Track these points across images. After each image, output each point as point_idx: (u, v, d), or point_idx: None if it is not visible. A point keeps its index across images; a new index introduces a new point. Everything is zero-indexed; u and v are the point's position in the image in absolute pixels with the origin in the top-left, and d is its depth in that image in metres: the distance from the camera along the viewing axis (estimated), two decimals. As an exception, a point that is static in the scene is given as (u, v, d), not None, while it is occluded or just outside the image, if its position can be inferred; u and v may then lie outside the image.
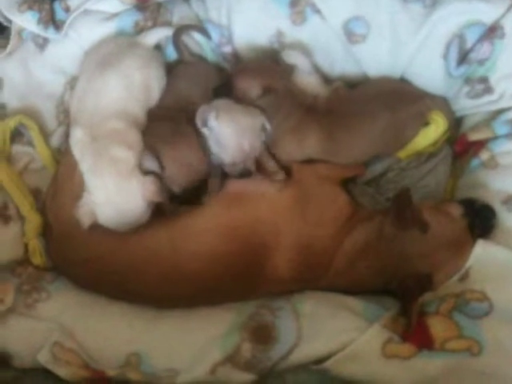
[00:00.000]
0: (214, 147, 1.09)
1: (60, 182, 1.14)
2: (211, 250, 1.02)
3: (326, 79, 1.22)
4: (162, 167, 1.07)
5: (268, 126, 1.09)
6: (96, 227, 1.04)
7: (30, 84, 1.23)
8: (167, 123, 1.12)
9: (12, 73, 1.24)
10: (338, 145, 1.12)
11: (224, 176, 1.11)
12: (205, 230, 1.04)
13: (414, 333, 0.92)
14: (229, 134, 1.06)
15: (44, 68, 1.24)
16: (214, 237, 1.03)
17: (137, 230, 1.05)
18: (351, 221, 1.06)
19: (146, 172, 1.06)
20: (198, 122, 1.09)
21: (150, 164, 1.07)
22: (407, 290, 0.99)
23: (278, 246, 1.03)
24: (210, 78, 1.20)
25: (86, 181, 1.05)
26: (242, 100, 1.12)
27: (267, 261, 1.02)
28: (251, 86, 1.13)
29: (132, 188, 1.04)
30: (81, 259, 1.07)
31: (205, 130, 1.09)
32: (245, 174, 1.08)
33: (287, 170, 1.12)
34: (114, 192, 1.03)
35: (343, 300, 1.03)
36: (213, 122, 1.07)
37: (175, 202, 1.11)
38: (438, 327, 0.93)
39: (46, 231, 1.14)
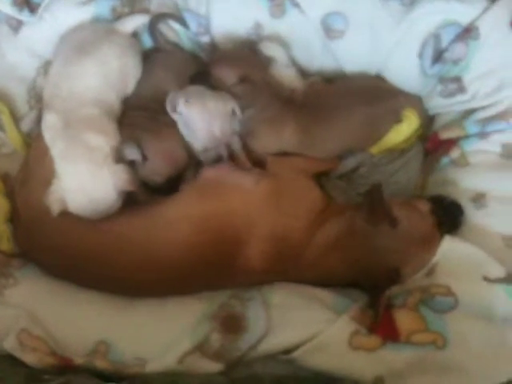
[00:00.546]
0: (185, 133, 1.09)
1: (30, 168, 1.12)
2: (183, 239, 1.02)
3: (304, 73, 1.23)
4: (143, 157, 1.06)
5: (238, 111, 1.09)
6: (66, 214, 1.03)
7: (2, 66, 1.21)
8: (145, 113, 1.11)
9: (-18, 54, 1.21)
10: (314, 138, 1.13)
11: (200, 165, 1.11)
12: (177, 219, 1.03)
13: (380, 325, 0.94)
14: (198, 118, 1.07)
15: (17, 51, 1.21)
16: (187, 226, 1.03)
17: (109, 217, 1.04)
18: (324, 214, 1.07)
19: (124, 161, 1.06)
20: (168, 107, 1.08)
21: (131, 153, 1.06)
22: (375, 283, 1.01)
23: (251, 237, 1.03)
24: (187, 66, 1.19)
25: (57, 167, 1.04)
26: (217, 87, 1.13)
27: (240, 252, 1.02)
28: (228, 75, 1.13)
29: (104, 176, 1.03)
30: (50, 246, 1.06)
31: (175, 116, 1.08)
32: (217, 160, 1.09)
33: (262, 162, 1.12)
34: (85, 179, 1.02)
35: (313, 292, 1.04)
36: (182, 107, 1.07)
37: (150, 191, 1.10)
38: (404, 320, 0.94)
39: (14, 217, 1.13)
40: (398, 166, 1.19)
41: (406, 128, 1.16)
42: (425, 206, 1.04)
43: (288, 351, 0.94)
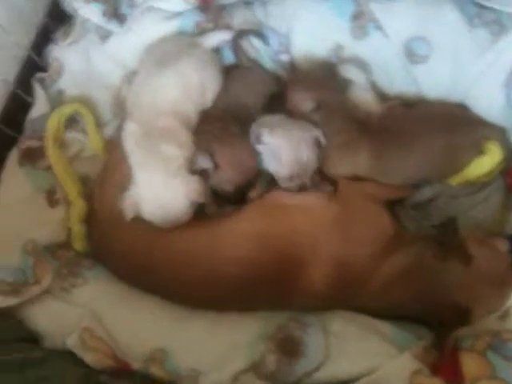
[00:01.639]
0: (269, 162, 1.10)
1: (109, 172, 1.16)
2: (247, 256, 1.01)
3: (383, 97, 1.20)
4: (215, 166, 1.08)
5: (323, 140, 1.09)
6: (138, 220, 1.06)
7: (90, 73, 1.26)
8: (219, 123, 1.12)
9: (73, 61, 1.27)
10: (389, 164, 1.10)
11: (271, 183, 1.11)
12: (242, 236, 1.03)
13: (444, 367, 0.90)
14: (285, 147, 1.07)
15: (104, 59, 1.26)
16: (251, 243, 1.02)
17: (177, 228, 1.06)
18: (393, 243, 1.03)
19: (198, 170, 1.08)
20: (252, 138, 1.10)
21: (204, 162, 1.08)
22: (443, 322, 0.97)
23: (315, 259, 1.01)
24: (265, 84, 1.20)
25: (134, 174, 1.07)
26: (293, 112, 1.12)
27: (302, 273, 1.01)
28: (304, 99, 1.12)
29: (177, 186, 1.05)
30: (120, 249, 1.09)
31: (259, 147, 1.09)
32: (302, 189, 1.08)
33: (334, 185, 1.11)
34: (159, 188, 1.04)
35: (373, 323, 1.01)
36: (267, 137, 1.08)
37: (221, 202, 1.12)
38: (470, 364, 0.89)
39: (89, 218, 1.17)
40: (477, 201, 1.13)
41: (488, 161, 1.11)
42: (503, 246, 0.99)
43: (344, 382, 0.91)
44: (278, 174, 1.09)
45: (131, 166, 1.08)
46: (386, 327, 0.99)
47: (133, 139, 1.10)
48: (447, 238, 0.98)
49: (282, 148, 1.07)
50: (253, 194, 1.09)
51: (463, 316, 0.96)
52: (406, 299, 1.00)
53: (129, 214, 1.04)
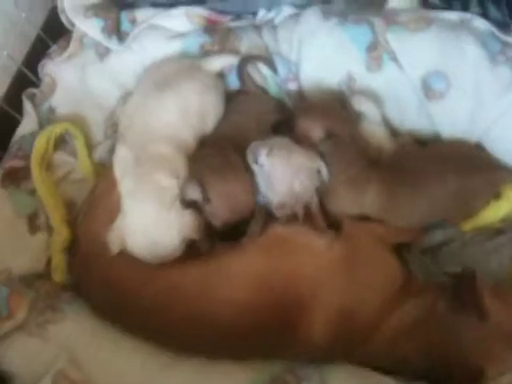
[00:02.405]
0: (262, 185, 1.02)
1: (96, 198, 1.08)
2: (242, 298, 0.93)
3: (394, 132, 1.13)
4: (206, 198, 0.99)
5: (325, 172, 1.01)
6: (124, 253, 0.98)
7: (84, 91, 1.20)
8: (215, 152, 1.05)
9: (67, 77, 1.21)
10: (399, 204, 1.03)
11: (268, 218, 1.03)
12: (237, 275, 0.95)
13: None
14: (280, 172, 0.99)
15: (101, 77, 1.20)
16: (247, 284, 0.94)
17: (166, 264, 0.97)
18: (402, 292, 0.96)
19: (186, 201, 1.00)
20: (249, 157, 1.02)
21: (194, 193, 1.00)
22: (453, 381, 0.88)
23: (317, 305, 0.93)
24: (271, 112, 1.13)
25: (123, 203, 0.99)
26: (301, 141, 1.04)
27: (302, 320, 0.92)
28: (314, 127, 1.05)
29: (170, 220, 0.97)
30: (102, 283, 1.00)
31: (255, 167, 1.02)
32: (292, 218, 1.00)
33: (338, 224, 1.02)
34: (150, 221, 0.96)
35: (377, 379, 0.92)
36: (264, 158, 1.00)
37: (211, 238, 1.03)
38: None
39: (72, 248, 1.08)
40: (492, 248, 1.05)
41: (504, 206, 1.04)
42: (522, 302, 0.91)
43: None
44: (269, 199, 1.01)
45: (121, 194, 1.00)
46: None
47: (123, 165, 1.02)
48: (463, 290, 0.89)
49: (276, 173, 0.99)
50: (251, 231, 1.00)
51: (475, 376, 0.88)
52: (413, 354, 0.92)
53: (114, 246, 0.96)
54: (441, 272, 1.07)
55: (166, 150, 1.02)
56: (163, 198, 0.96)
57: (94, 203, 1.07)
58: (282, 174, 0.99)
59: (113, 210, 1.00)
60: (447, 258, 1.08)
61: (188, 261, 0.98)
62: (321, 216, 1.03)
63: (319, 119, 1.05)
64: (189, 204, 1.00)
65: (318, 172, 1.01)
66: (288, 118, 1.10)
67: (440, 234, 1.09)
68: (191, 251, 1.00)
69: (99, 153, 1.16)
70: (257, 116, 1.11)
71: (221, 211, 1.00)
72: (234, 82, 1.17)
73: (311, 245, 0.98)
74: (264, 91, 1.17)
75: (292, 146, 1.02)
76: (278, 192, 1.00)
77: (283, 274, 0.95)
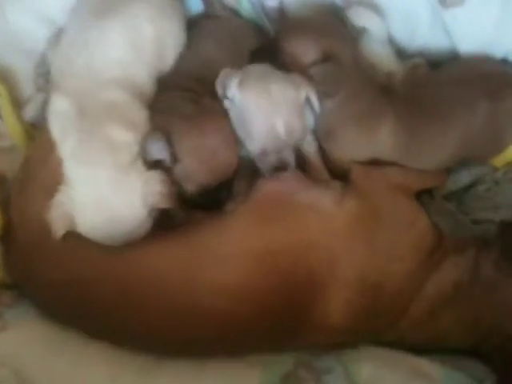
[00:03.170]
0: (237, 127, 0.80)
1: (31, 170, 0.84)
2: (238, 283, 0.74)
3: (401, 54, 0.92)
4: (174, 157, 0.77)
5: (315, 101, 0.79)
6: (75, 237, 0.76)
7: (4, 35, 0.94)
8: (185, 95, 0.82)
9: (-20, 19, 0.95)
10: (421, 142, 0.83)
11: (255, 175, 0.82)
12: (229, 255, 0.75)
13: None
14: (255, 108, 0.78)
15: (24, 15, 0.94)
16: (243, 264, 0.74)
17: (132, 245, 0.76)
18: (435, 251, 0.77)
19: (150, 163, 0.78)
20: (218, 88, 0.80)
21: (158, 151, 0.77)
22: (507, 357, 0.73)
23: (333, 281, 0.74)
24: (246, 38, 0.91)
25: (67, 170, 0.77)
26: (289, 69, 0.82)
27: (315, 301, 0.74)
28: (305, 50, 0.83)
29: (130, 185, 0.75)
30: (52, 279, 0.79)
31: (225, 102, 0.80)
32: (279, 169, 0.79)
33: (345, 173, 0.82)
34: (104, 189, 0.75)
35: (416, 364, 0.76)
36: (235, 90, 0.78)
37: (187, 207, 0.82)
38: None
39: (7, 235, 0.84)
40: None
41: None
42: None
43: None
44: (247, 145, 0.80)
45: (62, 158, 0.77)
46: (432, 368, 0.75)
47: (63, 121, 0.79)
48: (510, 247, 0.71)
49: (251, 109, 0.78)
50: (235, 195, 0.80)
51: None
52: (455, 327, 0.76)
53: (58, 228, 0.74)
54: (469, 220, 0.88)
55: (117, 95, 0.80)
56: (119, 156, 0.75)
57: (28, 176, 0.84)
58: (257, 109, 0.77)
59: (52, 182, 0.78)
60: (476, 203, 0.90)
61: (160, 239, 0.76)
62: (321, 164, 0.83)
63: (312, 38, 0.83)
64: (153, 165, 0.77)
65: (307, 102, 0.79)
66: (269, 44, 0.89)
67: (466, 175, 0.91)
68: (163, 227, 0.78)
69: (30, 111, 0.94)
70: (228, 44, 0.89)
71: (195, 171, 0.78)
72: (195, 5, 0.96)
73: (314, 203, 0.78)
74: (235, 13, 0.95)
75: (272, 72, 0.80)
76: (255, 134, 0.78)
77: (284, 245, 0.75)
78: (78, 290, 0.77)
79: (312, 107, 0.80)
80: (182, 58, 0.88)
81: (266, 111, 0.77)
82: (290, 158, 0.79)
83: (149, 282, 0.75)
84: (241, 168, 0.82)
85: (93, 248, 0.76)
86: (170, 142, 0.76)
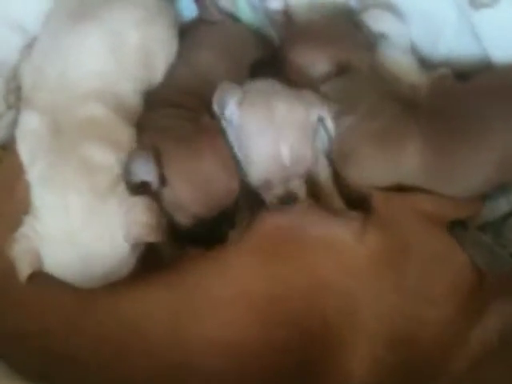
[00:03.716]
0: (236, 150, 0.69)
1: None
2: (237, 336, 0.61)
3: (422, 62, 0.81)
4: (162, 181, 0.65)
5: (330, 122, 0.68)
6: (44, 277, 0.63)
7: None
8: (179, 112, 0.71)
9: None
10: (453, 164, 0.70)
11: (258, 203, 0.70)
12: (227, 301, 0.63)
13: None
14: (255, 131, 0.67)
15: None
16: (243, 313, 0.62)
17: (112, 288, 0.64)
18: (476, 296, 0.64)
19: (133, 186, 0.66)
20: (215, 107, 0.69)
21: (144, 171, 0.65)
22: None
23: (354, 334, 0.62)
24: (247, 48, 0.80)
25: (34, 197, 0.65)
26: (295, 81, 0.71)
27: (334, 360, 0.61)
28: (317, 60, 0.73)
29: (109, 214, 0.63)
30: (18, 329, 0.67)
31: (223, 121, 0.69)
32: (287, 201, 0.67)
33: (364, 201, 0.71)
34: (77, 219, 0.63)
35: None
36: (233, 108, 0.67)
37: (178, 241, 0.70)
38: None
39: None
40: None
41: None
42: None
43: None
44: (248, 173, 0.69)
45: (30, 183, 0.66)
46: None
47: (33, 140, 0.68)
48: None
49: (250, 132, 0.67)
50: (237, 228, 0.67)
51: None
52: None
53: (23, 268, 0.62)
54: (508, 254, 0.76)
55: (97, 110, 0.69)
56: (96, 180, 0.63)
57: (-6, 203, 0.71)
58: (259, 131, 0.66)
59: (19, 213, 0.65)
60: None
61: (144, 280, 0.64)
62: (337, 192, 0.72)
63: (323, 47, 0.73)
64: (138, 188, 0.65)
65: (320, 122, 0.68)
66: (272, 54, 0.78)
67: (504, 203, 0.78)
68: (147, 265, 0.66)
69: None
70: (228, 55, 0.78)
71: (187, 200, 0.66)
72: (188, 9, 0.85)
73: (330, 238, 0.66)
74: (233, 18, 0.85)
75: (277, 88, 0.69)
76: (256, 162, 0.67)
77: (294, 289, 0.63)
78: (49, 341, 0.65)
79: (326, 129, 0.69)
80: (173, 70, 0.77)
81: (269, 135, 0.65)
82: (298, 188, 0.68)
83: (129, 333, 0.62)
84: (243, 193, 0.70)
85: (65, 291, 0.64)
86: (159, 162, 0.64)
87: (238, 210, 0.70)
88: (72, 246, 0.62)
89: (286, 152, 0.65)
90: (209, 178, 0.65)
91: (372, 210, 0.69)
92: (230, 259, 0.64)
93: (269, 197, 0.68)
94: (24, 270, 0.62)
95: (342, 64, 0.71)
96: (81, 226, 0.62)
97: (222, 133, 0.69)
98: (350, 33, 0.76)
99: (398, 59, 0.77)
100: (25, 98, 0.74)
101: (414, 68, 0.78)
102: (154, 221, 0.63)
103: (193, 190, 0.65)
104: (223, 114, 0.68)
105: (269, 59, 0.77)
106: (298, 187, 0.68)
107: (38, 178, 0.65)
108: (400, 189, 0.71)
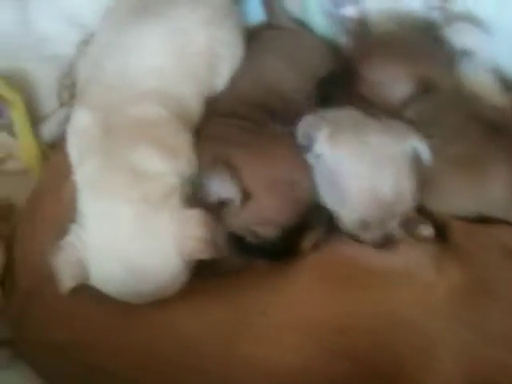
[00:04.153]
0: (325, 192, 0.62)
1: (40, 199, 0.68)
2: (294, 366, 0.55)
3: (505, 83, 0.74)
4: (244, 194, 0.59)
5: (426, 152, 0.61)
6: (86, 290, 0.59)
7: (26, 38, 0.81)
8: (243, 124, 0.66)
9: (2, 17, 0.81)
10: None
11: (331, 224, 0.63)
12: (290, 324, 0.57)
13: None
14: (352, 169, 0.60)
15: (51, 16, 0.81)
16: (302, 341, 0.56)
17: (162, 303, 0.59)
18: None
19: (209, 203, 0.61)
20: (300, 138, 0.62)
21: (225, 188, 0.59)
22: None
23: (430, 378, 0.54)
24: (317, 58, 0.74)
25: (80, 203, 0.60)
26: (371, 102, 0.66)
27: None
28: (394, 77, 0.66)
29: (161, 227, 0.58)
30: (53, 338, 0.62)
31: (309, 157, 0.62)
32: (385, 244, 0.61)
33: (442, 231, 0.64)
34: (126, 230, 0.57)
35: None
36: (324, 144, 0.60)
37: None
38: None
39: (8, 277, 0.68)
40: None
41: None
42: None
43: None
44: (341, 217, 0.62)
45: (77, 186, 0.61)
46: None
47: (84, 139, 0.63)
48: None
49: (346, 171, 0.60)
50: (308, 242, 0.61)
51: None
52: None
53: (66, 279, 0.57)
54: None
55: (153, 111, 0.63)
56: (148, 189, 0.58)
57: (37, 207, 0.68)
58: (356, 169, 0.60)
59: (65, 218, 0.61)
60: None
61: (204, 294, 0.60)
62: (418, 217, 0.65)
63: (402, 62, 0.66)
64: (218, 206, 0.60)
65: (416, 156, 0.61)
66: (344, 68, 0.71)
67: None
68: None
69: (49, 129, 0.80)
70: (299, 65, 0.72)
71: (275, 210, 0.60)
72: (255, 12, 0.80)
73: (406, 267, 0.60)
74: (302, 25, 0.79)
75: (365, 119, 0.63)
76: (352, 202, 0.60)
77: (362, 319, 0.57)
78: (86, 353, 0.60)
79: (420, 160, 0.62)
80: (236, 77, 0.72)
81: (368, 173, 0.59)
82: (396, 231, 0.61)
83: (182, 350, 0.57)
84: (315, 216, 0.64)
85: (107, 303, 0.59)
86: (237, 175, 0.59)
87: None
88: (120, 259, 0.57)
89: (386, 190, 0.59)
90: (291, 183, 0.60)
91: (450, 241, 0.62)
92: (297, 280, 0.59)
93: (364, 239, 0.62)
94: (66, 282, 0.57)
95: (422, 82, 0.65)
96: (130, 238, 0.57)
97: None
98: (430, 48, 0.70)
99: (480, 78, 0.70)
100: (79, 94, 0.69)
101: (497, 88, 0.71)
102: (209, 236, 0.58)
103: (279, 199, 0.59)
104: (310, 150, 0.61)
105: (340, 73, 0.71)
106: (395, 230, 0.61)
107: (85, 181, 0.60)
108: (481, 220, 0.65)
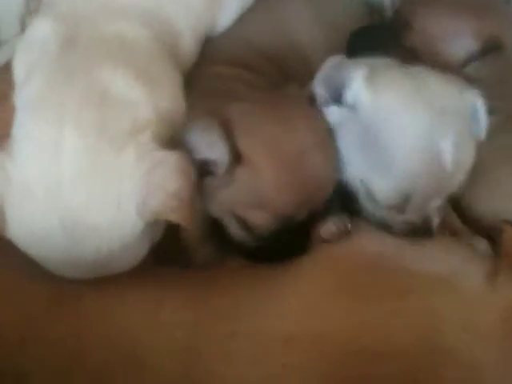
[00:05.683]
0: (354, 153, 0.48)
1: None
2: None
3: None
4: (236, 158, 0.44)
5: (483, 117, 0.47)
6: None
7: None
8: (251, 74, 0.54)
9: None
10: None
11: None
12: (284, 342, 0.42)
13: None
14: (402, 123, 0.46)
15: None
16: (318, 357, 0.41)
17: (111, 282, 0.44)
18: None
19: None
20: (318, 87, 0.49)
21: (211, 146, 0.45)
22: None
23: None
24: (348, 9, 0.62)
25: (16, 125, 0.45)
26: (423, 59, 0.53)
27: None
28: (458, 32, 0.53)
29: (121, 171, 0.43)
30: None
31: (333, 112, 0.48)
32: (419, 235, 0.47)
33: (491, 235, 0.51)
34: (72, 168, 0.42)
35: None
36: (360, 90, 0.46)
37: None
38: None
39: None
40: None
41: None
42: None
43: None
44: (375, 189, 0.47)
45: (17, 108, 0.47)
46: None
47: (37, 50, 0.49)
48: None
49: (394, 124, 0.45)
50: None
51: None
52: None
53: None
54: None
55: (135, 31, 0.50)
56: (111, 119, 0.43)
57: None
58: (407, 125, 0.46)
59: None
60: None
61: (163, 289, 0.46)
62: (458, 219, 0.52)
63: (469, 17, 0.54)
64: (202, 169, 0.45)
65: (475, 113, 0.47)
66: (384, 23, 0.59)
67: None
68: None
69: (5, 53, 0.64)
70: (319, 13, 0.60)
71: (275, 187, 0.45)
72: None
73: (450, 277, 0.45)
74: None
75: (415, 70, 0.49)
76: (402, 165, 0.45)
77: (393, 341, 0.42)
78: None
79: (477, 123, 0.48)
80: (248, 22, 0.59)
81: (426, 128, 0.45)
82: (435, 214, 0.47)
83: (122, 358, 0.41)
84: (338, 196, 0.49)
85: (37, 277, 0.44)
86: (229, 132, 0.44)
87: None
88: (56, 207, 0.41)
89: (446, 153, 0.45)
90: (304, 157, 0.44)
91: (503, 250, 0.48)
92: (297, 282, 0.44)
93: (397, 225, 0.47)
94: None
95: (490, 41, 0.52)
96: (74, 178, 0.41)
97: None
98: (501, 5, 0.58)
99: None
100: (45, 4, 0.55)
101: None
102: (187, 192, 0.42)
103: (283, 171, 0.44)
104: (339, 99, 0.47)
105: (379, 27, 0.58)
106: (436, 213, 0.47)
107: (28, 98, 0.45)
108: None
